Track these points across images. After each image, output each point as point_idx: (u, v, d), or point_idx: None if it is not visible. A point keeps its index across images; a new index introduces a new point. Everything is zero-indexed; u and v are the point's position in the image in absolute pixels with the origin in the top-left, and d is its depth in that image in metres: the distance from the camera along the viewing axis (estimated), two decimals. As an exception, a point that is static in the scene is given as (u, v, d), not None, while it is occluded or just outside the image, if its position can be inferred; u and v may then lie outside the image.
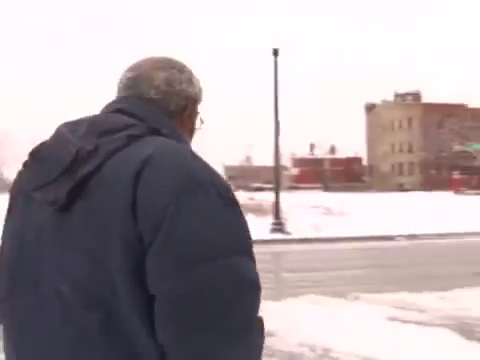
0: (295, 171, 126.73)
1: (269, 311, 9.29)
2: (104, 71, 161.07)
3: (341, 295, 10.10)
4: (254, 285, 1.51)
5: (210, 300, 1.44)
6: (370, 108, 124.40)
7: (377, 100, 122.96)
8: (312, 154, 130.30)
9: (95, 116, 1.69)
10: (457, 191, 54.79)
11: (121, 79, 1.81)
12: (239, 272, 1.48)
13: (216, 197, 1.52)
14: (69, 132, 1.62)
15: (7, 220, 1.73)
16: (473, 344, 7.44)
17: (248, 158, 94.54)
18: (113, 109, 1.71)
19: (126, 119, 1.65)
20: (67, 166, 1.56)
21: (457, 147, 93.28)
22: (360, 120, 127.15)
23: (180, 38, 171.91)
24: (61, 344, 1.51)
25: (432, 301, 10.09)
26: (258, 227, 22.18)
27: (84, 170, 1.54)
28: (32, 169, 1.64)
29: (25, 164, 1.68)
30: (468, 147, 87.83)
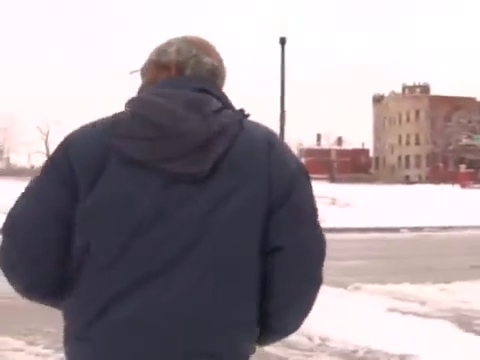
0: (302, 161, 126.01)
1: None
2: (112, 57, 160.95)
3: (342, 285, 10.06)
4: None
5: (315, 254, 1.91)
6: (378, 99, 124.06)
7: (385, 92, 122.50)
8: (319, 145, 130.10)
9: (190, 95, 1.83)
10: (464, 185, 54.67)
11: (221, 68, 2.02)
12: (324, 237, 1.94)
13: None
14: (176, 108, 1.76)
15: (93, 184, 1.76)
16: (470, 336, 7.43)
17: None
18: (197, 88, 1.87)
19: (216, 102, 1.85)
20: (202, 143, 1.73)
21: (464, 140, 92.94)
22: (367, 111, 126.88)
23: (185, 27, 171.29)
24: (200, 293, 1.72)
25: (433, 293, 10.05)
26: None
27: (219, 149, 1.75)
28: (152, 141, 1.72)
29: (131, 134, 1.74)
30: (476, 140, 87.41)
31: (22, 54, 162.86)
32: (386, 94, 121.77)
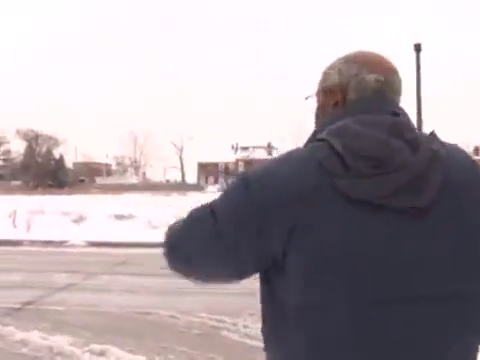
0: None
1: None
2: (245, 73, 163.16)
3: None
4: None
5: None
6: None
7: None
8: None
9: (389, 120, 1.71)
10: None
11: (392, 81, 1.86)
12: None
13: None
14: (388, 138, 1.65)
15: (304, 229, 1.63)
16: None
17: None
18: (392, 112, 1.77)
19: (412, 124, 1.75)
20: (420, 173, 1.62)
21: None
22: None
23: (318, 40, 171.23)
24: (445, 332, 1.64)
25: None
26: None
27: (438, 177, 1.65)
28: (373, 178, 1.61)
29: (359, 173, 1.62)
30: None
31: (156, 69, 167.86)
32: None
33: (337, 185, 1.61)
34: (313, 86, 1.99)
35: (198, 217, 1.82)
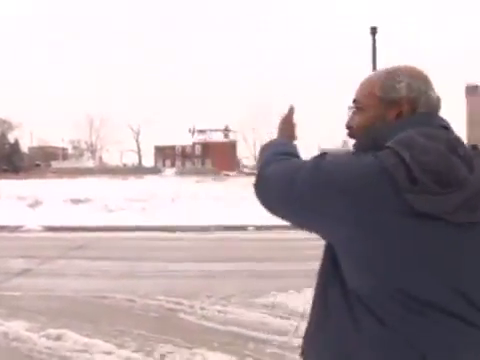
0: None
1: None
2: (203, 58, 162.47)
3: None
4: None
5: None
6: (472, 90, 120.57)
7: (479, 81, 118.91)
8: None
9: (449, 133, 1.87)
10: None
11: (436, 97, 1.99)
12: None
13: None
14: (448, 154, 1.76)
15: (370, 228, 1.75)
16: None
17: (345, 142, 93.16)
18: (442, 126, 1.90)
19: (462, 140, 1.86)
20: (478, 191, 1.74)
21: None
22: (460, 103, 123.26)
23: (274, 25, 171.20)
24: None
25: None
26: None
27: None
28: (440, 195, 1.71)
29: (425, 188, 1.71)
30: None
31: (112, 53, 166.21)
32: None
33: (403, 196, 1.71)
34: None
35: (283, 170, 1.99)
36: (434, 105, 1.96)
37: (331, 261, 1.88)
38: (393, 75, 1.98)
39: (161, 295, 9.15)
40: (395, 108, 1.95)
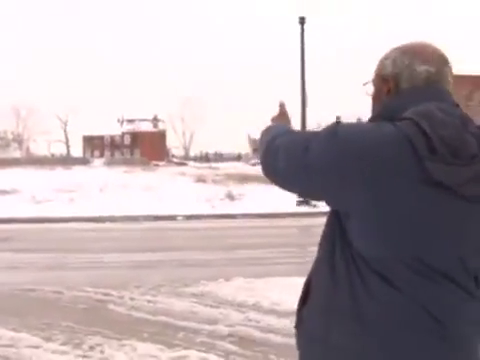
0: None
1: (295, 287, 8.91)
2: (127, 41, 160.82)
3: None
4: None
5: None
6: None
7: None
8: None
9: (460, 111, 1.91)
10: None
11: (444, 71, 1.99)
12: None
13: None
14: (463, 131, 1.82)
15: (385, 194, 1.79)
16: None
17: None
18: (455, 103, 1.95)
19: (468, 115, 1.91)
20: None
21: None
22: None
23: (203, 13, 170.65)
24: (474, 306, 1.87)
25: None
26: (284, 200, 21.79)
27: None
28: (455, 167, 1.78)
29: (443, 158, 1.77)
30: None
31: (37, 42, 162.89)
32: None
33: (423, 164, 1.77)
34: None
35: (295, 140, 2.02)
36: (420, 79, 1.97)
37: (338, 229, 1.90)
38: (388, 52, 2.06)
39: (89, 286, 9.04)
40: (385, 85, 2.02)
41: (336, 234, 1.91)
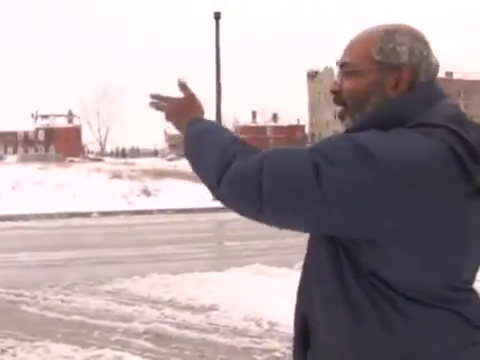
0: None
1: (211, 283, 8.94)
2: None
3: (287, 264, 9.72)
4: None
5: None
6: (312, 75, 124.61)
7: (320, 67, 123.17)
8: (254, 122, 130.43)
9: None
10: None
11: (436, 63, 1.78)
12: None
13: None
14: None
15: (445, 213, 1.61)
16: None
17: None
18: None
19: None
20: None
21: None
22: (303, 87, 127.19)
23: (115, 7, 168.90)
24: None
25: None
26: (200, 195, 21.80)
27: None
28: None
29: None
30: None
31: None
32: (321, 70, 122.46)
33: (471, 174, 1.59)
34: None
35: (289, 161, 1.62)
36: (434, 73, 1.77)
37: (347, 260, 1.65)
38: (394, 35, 1.73)
39: (1, 287, 8.82)
40: (394, 75, 1.72)
41: (344, 267, 1.66)
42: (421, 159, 1.55)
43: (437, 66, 1.77)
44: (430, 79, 1.74)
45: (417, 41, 1.74)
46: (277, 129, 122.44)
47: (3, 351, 6.07)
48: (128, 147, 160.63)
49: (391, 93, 1.72)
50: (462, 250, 1.64)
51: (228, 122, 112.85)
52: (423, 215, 1.57)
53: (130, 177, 31.90)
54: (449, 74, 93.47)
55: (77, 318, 7.19)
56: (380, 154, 1.54)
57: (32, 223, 17.83)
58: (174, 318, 7.04)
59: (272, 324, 6.69)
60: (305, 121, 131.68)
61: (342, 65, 1.79)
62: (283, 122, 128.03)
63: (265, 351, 5.98)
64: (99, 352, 5.91)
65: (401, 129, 1.61)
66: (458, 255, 1.64)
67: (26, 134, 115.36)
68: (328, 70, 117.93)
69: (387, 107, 1.70)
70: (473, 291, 1.74)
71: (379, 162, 1.54)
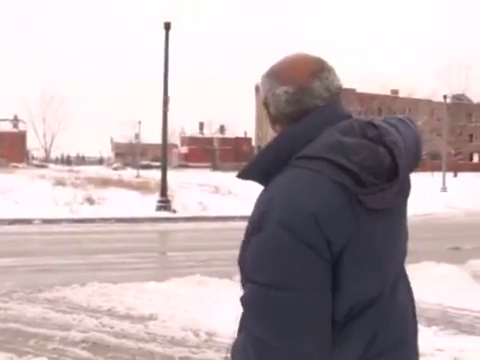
0: (184, 149, 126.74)
1: (151, 293, 8.93)
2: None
3: (227, 276, 9.76)
4: None
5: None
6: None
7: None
8: (202, 133, 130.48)
9: (355, 123, 1.77)
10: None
11: (334, 85, 1.83)
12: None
13: None
14: (368, 141, 1.74)
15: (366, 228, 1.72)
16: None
17: (137, 135, 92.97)
18: (347, 115, 1.83)
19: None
20: (406, 176, 1.79)
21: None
22: (250, 100, 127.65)
23: (69, 11, 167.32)
24: (410, 313, 1.94)
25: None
26: (144, 205, 21.70)
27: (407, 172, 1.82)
28: (388, 189, 1.72)
29: (374, 186, 1.70)
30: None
31: None
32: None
33: (361, 200, 1.66)
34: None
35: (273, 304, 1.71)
36: (281, 102, 1.81)
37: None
38: (262, 79, 1.90)
39: None
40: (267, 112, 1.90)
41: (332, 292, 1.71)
42: (313, 206, 1.64)
43: (286, 94, 1.80)
44: (279, 109, 1.83)
45: (264, 76, 1.88)
46: (224, 141, 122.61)
47: None
48: (73, 154, 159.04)
49: (278, 130, 1.91)
50: (381, 267, 1.79)
51: (175, 132, 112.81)
52: (345, 247, 1.67)
53: (74, 185, 31.55)
54: (395, 92, 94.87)
55: (13, 326, 7.10)
56: (290, 219, 1.63)
57: (-29, 229, 17.51)
58: (112, 327, 7.01)
59: (210, 334, 6.71)
60: (252, 134, 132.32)
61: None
62: (230, 134, 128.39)
63: (202, 361, 5.99)
64: (35, 360, 5.86)
65: (296, 170, 1.70)
66: (380, 272, 1.79)
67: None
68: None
69: (274, 145, 1.84)
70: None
71: (293, 226, 1.63)
